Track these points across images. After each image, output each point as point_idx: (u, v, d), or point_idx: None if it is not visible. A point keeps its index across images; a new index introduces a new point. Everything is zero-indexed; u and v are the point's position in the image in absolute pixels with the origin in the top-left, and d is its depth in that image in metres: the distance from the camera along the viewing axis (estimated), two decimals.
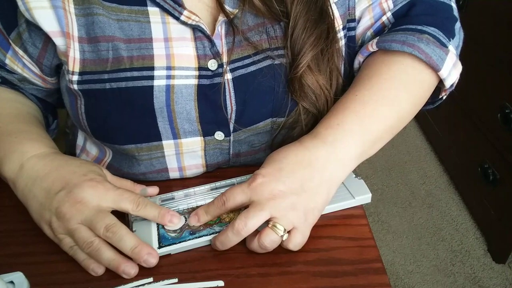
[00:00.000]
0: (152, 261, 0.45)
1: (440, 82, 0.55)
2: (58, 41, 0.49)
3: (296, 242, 0.46)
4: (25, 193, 0.48)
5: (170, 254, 0.47)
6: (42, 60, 0.53)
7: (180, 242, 0.47)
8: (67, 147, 0.71)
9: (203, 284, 0.44)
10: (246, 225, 0.44)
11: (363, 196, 0.52)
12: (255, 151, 0.59)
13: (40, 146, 0.51)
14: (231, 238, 0.45)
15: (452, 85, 0.55)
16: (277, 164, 0.47)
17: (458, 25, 0.57)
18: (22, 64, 0.54)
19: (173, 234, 0.48)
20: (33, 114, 0.58)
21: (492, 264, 1.34)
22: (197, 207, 0.51)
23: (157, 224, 0.49)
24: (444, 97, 0.58)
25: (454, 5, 0.58)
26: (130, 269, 0.44)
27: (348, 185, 0.53)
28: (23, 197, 0.49)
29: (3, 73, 0.56)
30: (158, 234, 0.48)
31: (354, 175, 0.54)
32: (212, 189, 0.54)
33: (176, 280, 0.44)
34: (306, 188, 0.46)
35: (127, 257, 0.45)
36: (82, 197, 0.45)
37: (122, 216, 0.48)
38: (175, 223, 0.48)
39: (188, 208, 0.51)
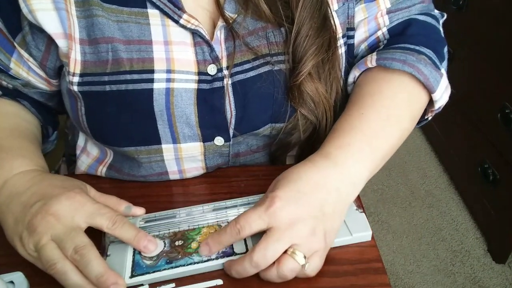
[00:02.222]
0: None
1: (428, 104, 0.56)
2: (61, 42, 0.49)
3: (315, 267, 0.43)
4: (2, 209, 0.46)
5: (142, 285, 0.44)
6: (46, 63, 0.53)
7: (154, 272, 0.44)
8: (67, 148, 0.71)
9: (202, 284, 0.44)
10: (266, 257, 0.41)
11: (362, 234, 0.48)
12: (254, 151, 0.59)
13: (28, 164, 0.49)
14: (249, 270, 0.42)
15: (440, 107, 0.56)
16: (293, 186, 0.44)
17: (446, 49, 0.58)
18: (27, 67, 0.54)
19: (148, 262, 0.45)
20: (30, 130, 0.57)
21: (492, 264, 1.34)
22: (179, 231, 0.48)
23: (133, 249, 0.46)
24: (429, 118, 0.59)
25: (441, 28, 0.59)
26: None
27: (347, 219, 0.48)
28: (1, 212, 0.46)
29: (6, 79, 0.55)
30: (133, 261, 0.45)
31: (356, 207, 0.50)
32: (205, 212, 0.50)
33: (173, 285, 0.44)
34: (324, 210, 0.44)
35: None
36: (56, 209, 0.43)
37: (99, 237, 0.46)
38: (151, 250, 0.45)
39: (169, 233, 0.48)
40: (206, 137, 0.54)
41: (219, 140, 0.54)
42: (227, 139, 0.55)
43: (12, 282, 0.43)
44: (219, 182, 0.57)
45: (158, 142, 0.53)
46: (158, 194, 0.54)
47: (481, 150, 1.40)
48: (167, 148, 0.53)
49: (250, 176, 0.57)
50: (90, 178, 0.59)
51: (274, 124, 0.55)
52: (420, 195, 1.59)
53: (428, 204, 1.56)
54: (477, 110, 1.44)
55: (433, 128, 1.76)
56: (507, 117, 1.24)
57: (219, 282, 0.44)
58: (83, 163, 0.61)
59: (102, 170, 0.60)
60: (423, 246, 1.41)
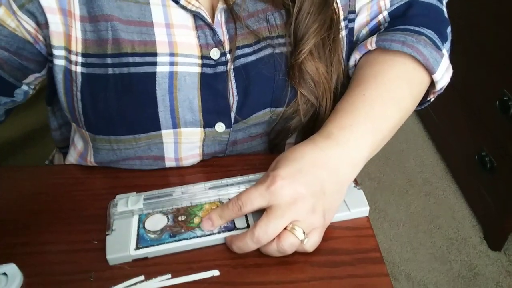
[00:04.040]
0: None
1: (430, 85, 0.55)
2: (54, 18, 0.47)
3: (314, 242, 0.44)
4: None
5: (147, 258, 0.45)
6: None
7: (158, 245, 0.45)
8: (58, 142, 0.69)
9: (198, 275, 0.43)
10: (267, 233, 0.42)
11: (360, 209, 0.49)
12: (251, 138, 0.58)
13: None
14: (250, 245, 0.43)
15: (441, 88, 0.56)
16: (295, 165, 0.45)
17: (449, 29, 0.57)
18: (17, 20, 0.47)
19: (152, 236, 0.46)
20: None
21: (488, 251, 1.35)
22: (182, 207, 0.49)
23: (137, 223, 0.47)
24: (432, 99, 0.59)
25: (444, 8, 0.58)
26: None
27: (346, 195, 0.49)
28: None
29: None
30: (137, 235, 0.46)
31: (354, 184, 0.51)
32: (207, 189, 0.51)
33: (169, 276, 0.43)
34: (324, 189, 0.45)
35: None
36: None
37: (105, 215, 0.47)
38: None
39: (172, 208, 0.49)
40: (208, 123, 0.53)
41: (220, 127, 0.54)
42: (228, 125, 0.54)
43: (5, 274, 0.43)
44: (215, 172, 0.57)
45: (158, 128, 0.52)
46: (153, 184, 0.54)
47: (478, 138, 1.40)
48: (167, 133, 0.53)
49: (247, 165, 0.57)
50: (82, 169, 0.58)
51: (274, 108, 0.54)
52: (417, 183, 1.60)
53: (425, 192, 1.56)
54: (475, 97, 1.43)
55: (430, 116, 1.76)
56: (505, 105, 1.24)
57: (216, 273, 0.44)
58: (71, 155, 0.60)
59: (91, 160, 0.58)
60: (420, 234, 1.41)
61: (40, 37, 0.49)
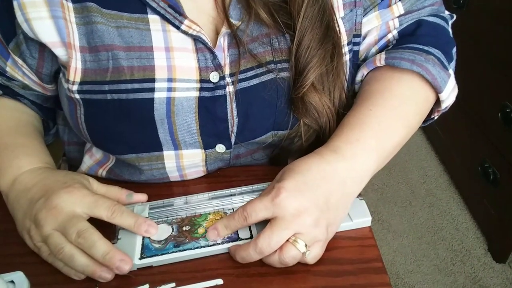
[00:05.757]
0: (125, 267, 0.43)
1: (435, 103, 0.56)
2: (59, 51, 0.48)
3: (316, 255, 0.45)
4: (14, 204, 0.49)
5: (151, 266, 0.46)
6: (42, 70, 0.53)
7: (162, 254, 0.46)
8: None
9: (201, 284, 0.44)
10: (270, 244, 0.43)
11: (362, 219, 0.49)
12: (254, 152, 0.59)
13: (34, 161, 0.52)
14: (253, 256, 0.44)
15: (446, 107, 0.57)
16: (300, 177, 0.45)
17: (455, 49, 0.58)
18: (22, 72, 0.54)
19: (157, 245, 0.47)
20: (32, 123, 0.59)
21: (492, 263, 1.34)
22: (186, 217, 0.50)
23: None
24: (435, 118, 0.60)
25: (450, 29, 0.59)
26: (107, 274, 0.44)
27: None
28: (12, 208, 0.50)
29: (4, 79, 0.55)
30: (142, 244, 0.47)
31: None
32: (211, 198, 0.52)
33: (173, 284, 0.44)
34: (329, 203, 0.45)
35: None
36: (56, 203, 0.45)
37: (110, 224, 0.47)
38: (152, 233, 0.47)
39: (177, 218, 0.50)
40: (208, 145, 0.54)
41: (220, 147, 0.54)
42: (228, 146, 0.54)
43: (12, 281, 0.43)
44: (219, 182, 0.57)
45: (160, 149, 0.52)
46: (158, 194, 0.54)
47: (481, 150, 1.40)
48: (169, 155, 0.53)
49: (250, 176, 0.57)
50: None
51: (276, 131, 0.55)
52: (420, 195, 1.59)
53: (429, 203, 1.56)
54: (478, 109, 1.44)
55: (433, 128, 1.76)
56: (507, 117, 1.24)
57: (219, 282, 0.44)
58: (85, 163, 0.61)
59: (102, 173, 0.60)
60: (424, 246, 1.41)
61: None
